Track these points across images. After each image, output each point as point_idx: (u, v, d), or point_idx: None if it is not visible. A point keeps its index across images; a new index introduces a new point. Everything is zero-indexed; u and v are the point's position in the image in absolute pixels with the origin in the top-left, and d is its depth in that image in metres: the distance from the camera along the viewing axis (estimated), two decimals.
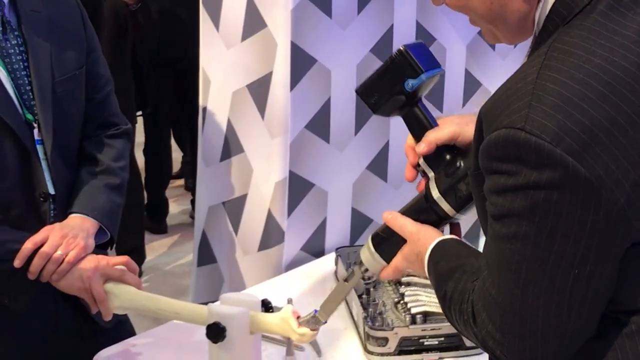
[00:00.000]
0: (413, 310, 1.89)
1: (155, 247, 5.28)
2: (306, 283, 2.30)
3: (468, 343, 1.81)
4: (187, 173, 5.95)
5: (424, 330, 1.83)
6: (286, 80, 2.32)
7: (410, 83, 1.42)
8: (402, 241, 1.45)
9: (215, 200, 2.59)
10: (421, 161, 1.45)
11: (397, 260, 1.47)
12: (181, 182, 6.12)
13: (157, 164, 5.29)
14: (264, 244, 2.46)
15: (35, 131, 1.81)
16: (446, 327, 1.80)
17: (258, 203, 2.46)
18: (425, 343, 1.83)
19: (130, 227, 4.81)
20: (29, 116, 1.81)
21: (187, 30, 4.98)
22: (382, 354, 1.83)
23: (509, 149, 1.11)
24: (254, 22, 2.38)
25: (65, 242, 1.77)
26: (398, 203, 2.68)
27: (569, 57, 1.12)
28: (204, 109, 2.55)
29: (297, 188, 2.44)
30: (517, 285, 1.15)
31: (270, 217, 2.43)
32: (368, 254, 1.52)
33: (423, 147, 1.42)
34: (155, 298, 1.75)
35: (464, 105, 2.94)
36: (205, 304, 2.57)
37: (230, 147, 2.51)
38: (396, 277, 1.55)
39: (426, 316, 1.87)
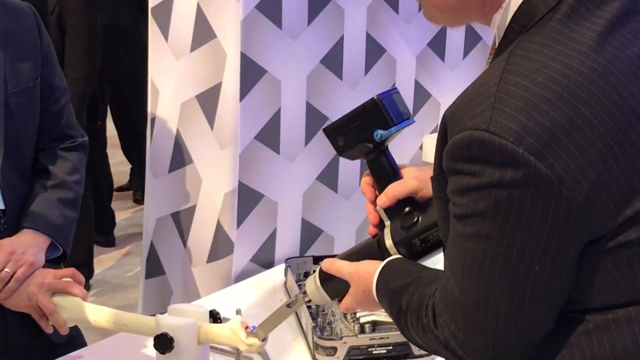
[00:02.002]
0: (362, 320, 1.89)
1: (104, 260, 5.22)
2: (256, 294, 2.29)
3: (417, 351, 1.82)
4: (136, 185, 5.92)
5: (373, 339, 1.83)
6: (236, 91, 2.31)
7: (379, 134, 1.44)
8: (347, 283, 1.47)
9: (164, 211, 2.58)
10: (378, 208, 1.47)
11: (347, 302, 1.49)
12: (130, 194, 6.07)
13: (99, 176, 5.25)
14: (213, 255, 2.45)
15: None
16: (395, 336, 1.81)
17: (207, 214, 2.44)
18: (374, 352, 1.83)
19: (78, 241, 4.76)
20: None
21: (130, 42, 5.03)
22: None
23: (473, 150, 1.14)
24: (203, 33, 2.37)
25: (14, 259, 1.74)
26: (348, 213, 2.75)
27: (530, 62, 1.16)
28: (153, 120, 2.53)
29: (247, 199, 2.43)
30: (480, 283, 1.18)
31: (219, 228, 2.42)
32: (314, 287, 1.53)
33: (384, 201, 1.45)
34: (102, 310, 1.73)
35: (414, 115, 2.96)
36: (154, 315, 2.58)
37: (180, 157, 2.50)
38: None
39: (375, 325, 1.88)
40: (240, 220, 2.42)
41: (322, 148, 2.60)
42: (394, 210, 1.45)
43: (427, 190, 1.43)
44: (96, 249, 5.09)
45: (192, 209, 2.49)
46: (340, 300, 1.51)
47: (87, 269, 4.84)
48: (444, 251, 1.30)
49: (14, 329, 1.87)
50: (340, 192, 2.72)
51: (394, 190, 1.45)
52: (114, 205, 5.54)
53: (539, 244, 1.14)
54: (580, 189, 1.12)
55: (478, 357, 1.21)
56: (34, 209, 1.86)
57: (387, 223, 1.47)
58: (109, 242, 5.43)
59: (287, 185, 2.55)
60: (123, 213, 5.82)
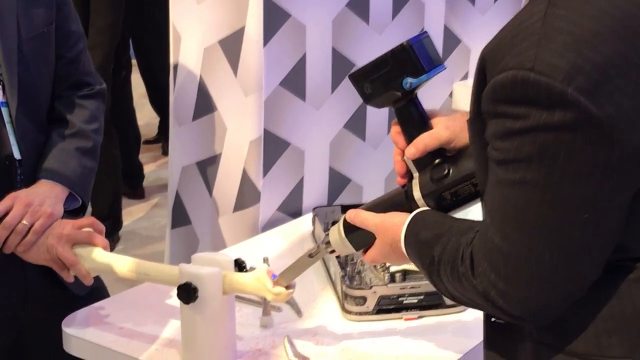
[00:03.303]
0: (392, 269, 1.84)
1: (133, 212, 5.26)
2: (283, 243, 2.25)
3: (448, 301, 1.77)
4: (165, 137, 5.90)
5: (403, 288, 1.78)
6: (259, 36, 2.25)
7: (409, 82, 1.38)
8: (373, 234, 1.43)
9: (189, 160, 2.53)
10: (407, 159, 1.42)
11: (372, 255, 1.45)
12: (158, 146, 6.06)
13: (125, 128, 5.24)
14: (240, 205, 2.41)
15: (0, 92, 1.73)
16: (426, 285, 1.76)
17: (233, 163, 2.40)
18: (405, 301, 1.78)
19: (106, 193, 4.80)
20: None
21: None
22: (360, 313, 1.79)
23: (517, 91, 1.07)
24: None
25: (31, 211, 1.70)
26: (376, 162, 2.70)
27: None
28: (175, 67, 2.48)
29: (273, 147, 2.39)
30: (523, 231, 1.12)
31: (245, 177, 2.38)
32: (338, 237, 1.49)
33: (413, 152, 1.40)
34: (124, 259, 1.70)
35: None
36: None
37: (203, 105, 2.44)
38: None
39: (405, 274, 1.83)
40: (266, 169, 2.38)
41: (349, 95, 2.51)
42: (423, 161, 1.40)
43: (459, 141, 1.39)
44: (125, 201, 5.12)
45: (217, 158, 2.45)
46: (365, 252, 1.47)
47: (115, 221, 4.89)
48: (481, 199, 1.25)
49: (34, 282, 1.84)
50: (368, 140, 2.68)
51: (424, 142, 1.40)
52: (142, 157, 5.57)
53: (588, 191, 1.08)
54: (634, 131, 1.05)
55: (520, 308, 1.16)
56: (51, 159, 1.81)
57: (416, 175, 1.41)
58: (138, 194, 5.46)
59: (313, 134, 2.51)
60: (152, 165, 5.84)
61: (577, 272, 1.13)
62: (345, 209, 2.24)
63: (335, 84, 2.52)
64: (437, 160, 1.40)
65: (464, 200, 1.38)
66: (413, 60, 1.37)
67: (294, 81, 2.40)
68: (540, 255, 1.12)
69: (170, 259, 2.63)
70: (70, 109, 1.89)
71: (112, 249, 4.77)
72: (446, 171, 1.38)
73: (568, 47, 1.05)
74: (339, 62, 2.51)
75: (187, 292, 1.55)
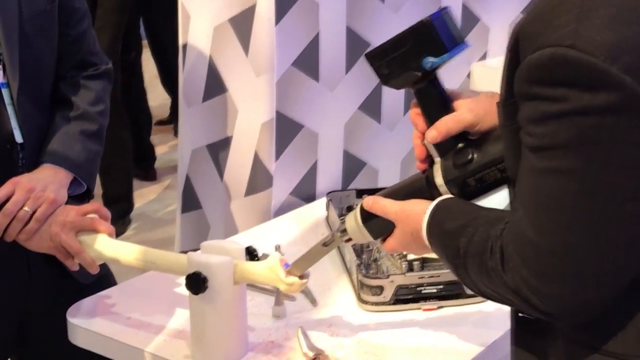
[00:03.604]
0: (410, 257, 1.76)
1: (144, 194, 5.25)
2: (296, 229, 2.19)
3: (469, 291, 1.70)
4: (177, 118, 5.85)
5: (422, 277, 1.71)
6: (271, 14, 2.18)
7: (429, 61, 1.30)
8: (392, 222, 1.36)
9: (199, 142, 2.47)
10: (427, 143, 1.34)
11: (392, 244, 1.37)
12: (170, 127, 6.02)
13: (136, 109, 5.19)
14: (251, 189, 2.36)
15: (0, 73, 1.66)
16: (445, 274, 1.68)
17: (244, 145, 2.34)
18: (423, 291, 1.71)
19: (117, 175, 4.77)
20: None
21: None
22: (377, 304, 1.71)
23: (555, 71, 0.99)
24: None
25: (33, 197, 1.63)
26: (392, 145, 2.63)
27: None
28: (184, 46, 2.41)
29: (285, 129, 2.33)
30: (559, 224, 1.04)
31: (257, 161, 2.32)
32: (354, 225, 1.42)
33: (435, 135, 1.31)
34: (130, 247, 1.63)
35: None
36: (192, 252, 2.50)
37: (213, 86, 2.38)
38: None
39: (424, 263, 1.75)
40: (278, 152, 2.32)
41: (364, 76, 2.48)
42: (445, 145, 1.32)
43: (483, 124, 1.30)
44: (136, 183, 5.09)
45: (228, 140, 2.39)
46: (383, 240, 1.39)
47: (127, 203, 4.88)
48: (509, 186, 1.17)
49: (37, 270, 1.77)
50: (384, 122, 2.61)
51: (446, 125, 1.31)
52: (154, 139, 5.54)
53: (632, 181, 0.99)
54: None
55: (555, 306, 1.08)
56: (54, 143, 1.74)
57: (437, 159, 1.33)
58: (150, 176, 5.45)
59: (327, 115, 2.45)
60: (164, 147, 5.82)
61: (617, 268, 1.05)
62: (360, 193, 2.19)
63: (349, 64, 2.46)
64: (460, 145, 1.32)
65: (490, 187, 1.30)
66: (434, 38, 1.28)
67: (307, 61, 2.34)
68: (576, 249, 1.04)
69: (181, 245, 2.58)
70: (74, 90, 1.82)
71: (123, 232, 4.76)
72: (470, 156, 1.30)
73: (612, 21, 0.97)
74: (354, 41, 2.44)
75: (196, 282, 1.48)
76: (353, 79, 2.48)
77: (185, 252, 2.53)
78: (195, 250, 2.44)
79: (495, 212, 1.20)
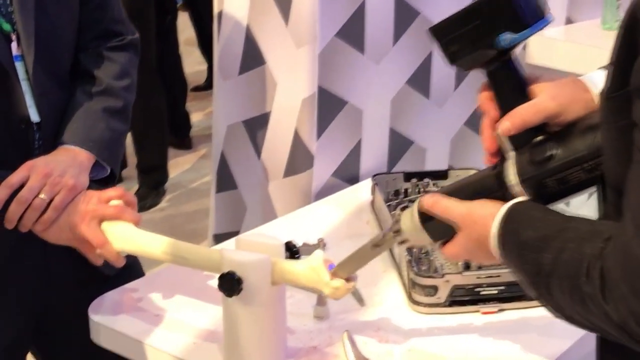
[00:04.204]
0: None
1: (180, 163, 5.23)
2: (339, 214, 2.04)
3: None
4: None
5: (480, 277, 1.54)
6: None
7: (507, 38, 1.13)
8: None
9: (235, 118, 2.35)
10: (500, 134, 1.18)
11: (453, 250, 1.22)
12: (207, 94, 5.92)
13: (171, 76, 5.09)
14: (291, 169, 2.24)
15: (14, 45, 1.52)
16: (507, 274, 1.51)
17: (283, 122, 2.23)
18: (482, 292, 1.54)
19: (151, 144, 4.71)
20: (6, 26, 1.51)
21: None
22: (430, 305, 1.55)
23: None
24: None
25: (50, 183, 1.49)
26: (442, 122, 2.46)
27: None
28: (220, 14, 2.28)
29: (328, 106, 2.21)
30: None
31: (297, 139, 2.20)
32: (411, 226, 1.26)
33: (509, 127, 1.15)
34: (159, 239, 1.49)
35: None
36: (227, 234, 2.36)
37: (251, 57, 2.25)
38: None
39: None
40: (320, 130, 2.21)
41: (413, 47, 2.36)
42: (521, 138, 1.15)
43: (568, 114, 1.13)
44: (171, 151, 5.05)
45: (266, 117, 2.27)
46: (443, 244, 1.24)
47: (161, 173, 4.89)
48: (600, 192, 0.99)
49: (56, 260, 1.64)
50: (433, 98, 2.46)
51: (523, 115, 1.14)
52: (190, 106, 5.51)
53: None
54: None
55: None
56: (74, 121, 1.60)
57: (511, 154, 1.16)
58: (185, 144, 5.42)
59: (373, 91, 2.31)
60: (200, 114, 5.78)
61: None
62: (408, 176, 2.04)
63: (397, 35, 2.32)
64: (538, 138, 1.15)
65: (572, 190, 1.13)
66: (513, 10, 1.11)
67: (352, 31, 2.21)
68: None
69: (215, 226, 2.46)
70: (97, 62, 1.68)
71: (157, 203, 4.68)
72: (551, 152, 1.12)
73: None
74: (402, 11, 2.31)
75: (230, 284, 1.34)
76: (401, 51, 2.35)
77: (219, 234, 2.43)
78: (230, 233, 2.34)
79: (588, 223, 1.03)
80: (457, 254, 1.23)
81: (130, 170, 4.79)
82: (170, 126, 5.12)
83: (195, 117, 5.58)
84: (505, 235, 1.11)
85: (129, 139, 4.68)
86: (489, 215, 1.13)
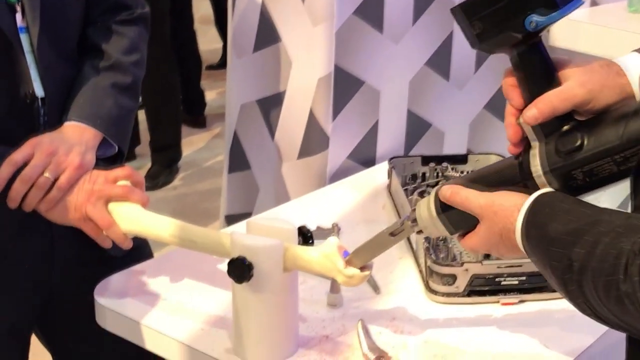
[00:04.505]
0: None
1: (193, 142, 5.22)
2: (354, 197, 1.98)
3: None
4: None
5: (500, 267, 1.48)
6: None
7: (534, 20, 1.06)
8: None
9: (249, 97, 2.30)
10: (524, 123, 1.12)
11: (473, 243, 1.17)
12: (222, 72, 5.88)
13: (186, 53, 5.03)
14: (305, 151, 2.20)
15: (18, 16, 1.46)
16: (529, 265, 1.45)
17: (298, 102, 2.18)
18: (503, 283, 1.49)
19: (165, 122, 4.69)
20: None
21: None
22: (448, 294, 1.50)
23: None
24: None
25: (55, 161, 1.44)
26: (461, 105, 2.40)
27: None
28: None
29: (344, 86, 2.16)
30: None
31: (312, 120, 2.16)
32: (427, 216, 1.21)
33: (534, 114, 1.09)
34: (167, 221, 1.45)
35: None
36: (239, 215, 2.32)
37: (266, 35, 2.21)
38: None
39: None
40: (336, 111, 2.16)
41: (433, 27, 2.30)
42: (548, 127, 1.09)
43: (598, 102, 1.07)
44: (185, 129, 5.02)
45: (281, 96, 2.22)
46: (462, 236, 1.18)
47: (175, 151, 4.86)
48: (632, 186, 0.94)
49: (61, 241, 1.59)
50: (453, 79, 2.41)
51: (550, 102, 1.08)
52: (204, 84, 5.48)
53: None
54: None
55: None
56: (81, 97, 1.55)
57: (535, 143, 1.11)
58: (199, 122, 5.39)
59: (391, 71, 2.26)
60: (214, 93, 5.75)
61: None
62: (426, 160, 1.98)
63: (417, 14, 2.27)
64: (566, 127, 1.09)
65: (601, 183, 1.07)
66: None
67: (370, 9, 2.16)
68: None
69: (227, 207, 2.42)
70: (105, 36, 1.63)
71: (170, 181, 4.64)
72: (579, 142, 1.07)
73: None
74: None
75: (240, 269, 1.29)
76: (420, 31, 2.29)
77: (231, 215, 2.39)
78: (242, 214, 2.30)
79: (622, 217, 0.97)
80: (477, 247, 1.17)
81: (144, 148, 4.76)
82: (185, 104, 5.08)
83: (210, 96, 5.54)
84: (530, 228, 1.05)
85: (142, 116, 4.65)
86: (513, 207, 1.08)
